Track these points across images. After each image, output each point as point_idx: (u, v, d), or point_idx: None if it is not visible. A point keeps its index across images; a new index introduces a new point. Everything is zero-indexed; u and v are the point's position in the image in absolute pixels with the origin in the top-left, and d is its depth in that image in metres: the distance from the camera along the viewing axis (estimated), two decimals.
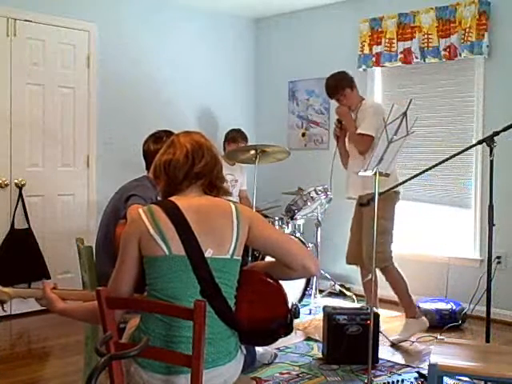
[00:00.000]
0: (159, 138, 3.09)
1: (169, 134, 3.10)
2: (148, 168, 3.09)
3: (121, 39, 5.58)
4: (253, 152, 4.89)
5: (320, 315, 4.32)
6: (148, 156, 3.10)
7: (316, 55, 6.17)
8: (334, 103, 6.00)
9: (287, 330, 2.17)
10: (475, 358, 2.77)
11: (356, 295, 5.42)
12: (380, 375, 3.73)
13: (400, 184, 3.80)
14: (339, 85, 4.56)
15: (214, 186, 2.22)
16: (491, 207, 3.16)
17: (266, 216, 5.28)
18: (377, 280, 4.35)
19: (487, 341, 3.19)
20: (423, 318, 4.44)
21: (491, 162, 3.14)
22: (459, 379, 3.52)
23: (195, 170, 2.17)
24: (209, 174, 2.20)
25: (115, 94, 5.53)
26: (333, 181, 4.98)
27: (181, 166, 2.17)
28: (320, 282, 5.63)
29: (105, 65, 5.45)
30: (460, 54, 5.04)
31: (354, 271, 5.38)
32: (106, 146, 5.48)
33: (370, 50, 5.62)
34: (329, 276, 5.62)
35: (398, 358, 4.04)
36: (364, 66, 5.70)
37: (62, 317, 2.32)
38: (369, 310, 3.75)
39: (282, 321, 2.15)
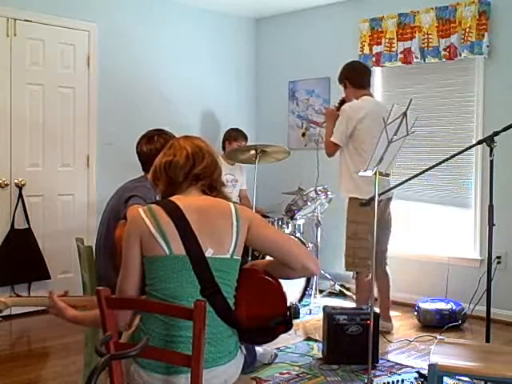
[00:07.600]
0: (151, 137, 3.07)
1: (160, 132, 3.10)
2: (144, 169, 3.08)
3: (121, 39, 5.58)
4: (253, 152, 4.89)
5: (320, 315, 4.32)
6: (142, 157, 3.08)
7: (316, 55, 6.16)
8: (333, 103, 6.03)
9: (287, 327, 2.18)
10: (475, 358, 2.77)
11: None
12: (380, 375, 3.73)
13: (400, 184, 3.79)
14: (339, 78, 4.64)
15: (213, 187, 2.23)
16: (491, 207, 3.17)
17: (265, 216, 5.28)
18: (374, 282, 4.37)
19: (487, 341, 3.19)
20: None
21: (491, 162, 3.14)
22: (459, 379, 3.52)
23: (195, 172, 2.18)
24: (209, 177, 2.21)
25: (115, 94, 5.53)
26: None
27: (181, 166, 2.18)
28: (320, 281, 5.63)
29: (105, 65, 5.45)
30: (460, 54, 5.04)
31: None
32: (106, 146, 5.48)
33: (370, 50, 5.62)
34: (329, 276, 5.62)
35: (398, 358, 4.05)
36: None
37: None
38: (369, 310, 3.74)
39: (281, 318, 2.15)
